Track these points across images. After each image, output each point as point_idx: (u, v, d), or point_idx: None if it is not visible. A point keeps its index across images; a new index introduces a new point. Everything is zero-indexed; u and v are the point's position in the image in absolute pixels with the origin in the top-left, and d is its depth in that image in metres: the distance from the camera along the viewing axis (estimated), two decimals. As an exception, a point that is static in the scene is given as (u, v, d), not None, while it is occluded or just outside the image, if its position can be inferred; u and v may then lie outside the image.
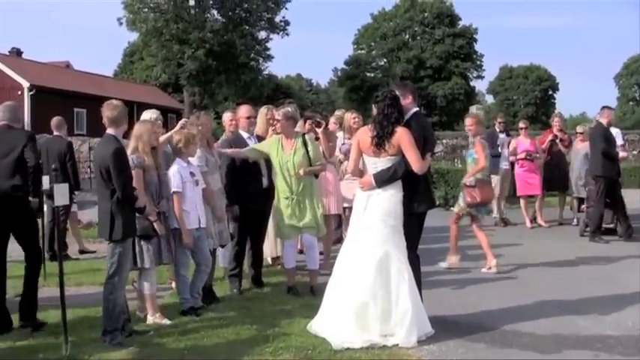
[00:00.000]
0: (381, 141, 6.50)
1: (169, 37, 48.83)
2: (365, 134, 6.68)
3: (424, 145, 6.69)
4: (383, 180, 6.53)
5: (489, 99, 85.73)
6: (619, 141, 14.07)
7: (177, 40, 48.84)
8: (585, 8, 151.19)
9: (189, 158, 7.47)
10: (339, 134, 10.61)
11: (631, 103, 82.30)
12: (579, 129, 14.07)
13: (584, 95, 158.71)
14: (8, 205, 6.87)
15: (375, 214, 6.53)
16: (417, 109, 7.02)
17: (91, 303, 7.61)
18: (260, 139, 8.60)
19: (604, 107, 12.45)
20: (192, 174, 7.37)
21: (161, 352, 6.13)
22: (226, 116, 9.09)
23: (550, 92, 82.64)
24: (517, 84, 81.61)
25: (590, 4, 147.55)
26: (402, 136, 6.45)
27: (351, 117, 10.62)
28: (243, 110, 8.69)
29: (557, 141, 14.07)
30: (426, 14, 67.12)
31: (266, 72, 59.06)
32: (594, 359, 5.88)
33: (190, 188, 7.30)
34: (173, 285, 8.47)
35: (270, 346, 6.13)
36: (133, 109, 46.61)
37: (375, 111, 6.68)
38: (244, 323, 6.89)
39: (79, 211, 12.37)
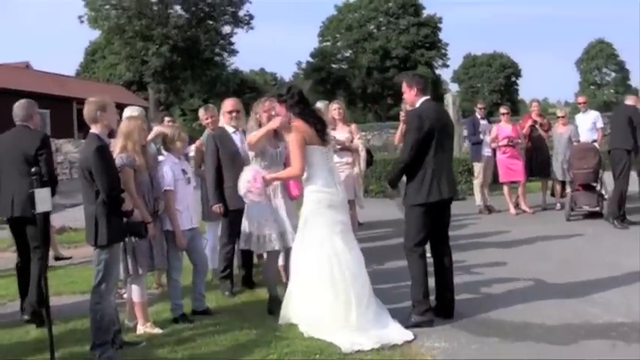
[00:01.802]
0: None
1: (132, 34, 48.23)
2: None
3: (429, 139, 6.51)
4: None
5: (454, 87, 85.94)
6: (599, 124, 14.03)
7: (140, 37, 48.27)
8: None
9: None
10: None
11: (592, 87, 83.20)
12: (560, 113, 13.99)
13: (546, 81, 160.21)
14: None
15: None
16: (425, 98, 6.80)
17: (74, 314, 7.29)
18: (245, 133, 8.28)
19: (634, 93, 12.43)
20: (184, 171, 7.02)
21: (158, 365, 5.81)
22: (201, 113, 8.91)
23: (513, 79, 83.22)
24: (481, 72, 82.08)
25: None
26: (292, 133, 6.52)
27: (332, 107, 10.35)
28: (227, 104, 8.34)
29: (537, 126, 13.94)
30: (390, 4, 67.25)
31: (231, 67, 58.64)
32: (611, 349, 5.67)
33: (182, 186, 6.95)
34: (160, 291, 8.17)
35: (274, 352, 5.84)
36: (97, 109, 45.98)
37: (283, 109, 6.74)
38: (242, 328, 6.54)
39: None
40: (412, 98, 6.81)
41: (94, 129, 5.89)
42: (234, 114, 8.24)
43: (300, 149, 6.46)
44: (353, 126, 10.67)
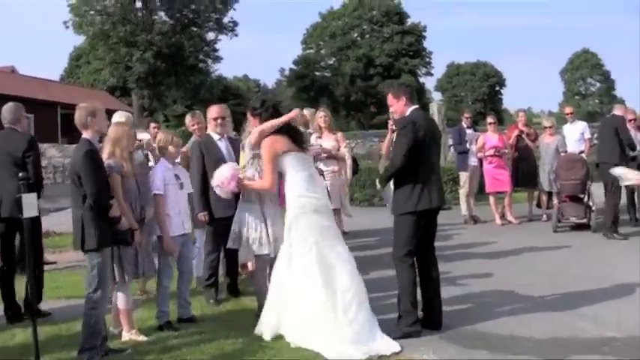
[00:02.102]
0: None
1: (117, 40, 47.81)
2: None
3: (421, 146, 6.46)
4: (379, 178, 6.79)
5: (437, 96, 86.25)
6: (586, 135, 14.03)
7: (124, 43, 47.88)
8: (531, 6, 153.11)
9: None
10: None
11: (577, 97, 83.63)
12: (547, 123, 13.96)
13: (529, 90, 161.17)
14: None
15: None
16: (414, 107, 6.76)
17: (58, 319, 7.23)
18: (232, 141, 8.18)
19: (621, 103, 12.45)
20: (176, 176, 6.93)
21: (143, 373, 5.69)
22: (187, 119, 8.82)
23: (497, 88, 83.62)
24: (465, 80, 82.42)
25: (536, 3, 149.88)
26: (262, 146, 6.56)
27: (318, 115, 10.30)
28: (213, 111, 8.24)
29: (524, 136, 13.91)
30: (374, 12, 67.33)
31: (215, 74, 58.46)
32: (604, 363, 5.61)
33: (174, 191, 6.87)
34: (144, 297, 8.05)
35: (260, 362, 5.72)
36: (80, 114, 45.71)
37: (256, 122, 6.75)
38: (227, 337, 6.44)
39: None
40: (401, 108, 6.75)
41: (85, 134, 5.89)
42: (219, 120, 8.15)
43: (270, 164, 6.49)
44: (339, 134, 10.65)
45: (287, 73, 73.05)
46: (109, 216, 5.78)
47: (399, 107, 6.75)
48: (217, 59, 55.49)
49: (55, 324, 7.06)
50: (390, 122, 9.23)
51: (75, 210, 5.79)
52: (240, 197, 6.90)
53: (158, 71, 49.00)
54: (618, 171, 9.04)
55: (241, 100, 55.43)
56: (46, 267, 10.57)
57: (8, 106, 7.89)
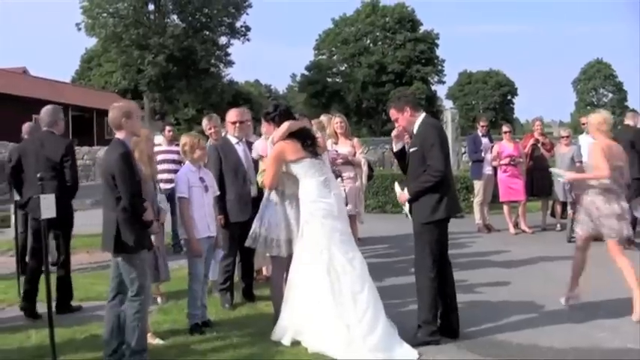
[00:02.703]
0: None
1: (129, 43, 48.06)
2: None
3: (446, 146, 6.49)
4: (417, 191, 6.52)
5: (448, 104, 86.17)
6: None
7: (137, 46, 48.12)
8: (544, 16, 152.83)
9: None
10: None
11: (588, 107, 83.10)
12: (564, 132, 13.86)
13: (542, 100, 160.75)
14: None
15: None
16: (423, 115, 6.67)
17: (72, 322, 7.21)
18: (249, 144, 8.18)
19: (631, 110, 12.29)
20: (201, 179, 6.95)
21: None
22: (204, 123, 8.82)
23: (509, 97, 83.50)
24: (476, 89, 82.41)
25: (549, 13, 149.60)
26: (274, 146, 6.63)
27: (334, 121, 10.27)
28: (232, 115, 8.25)
29: (539, 145, 13.85)
30: (387, 19, 67.32)
31: (226, 78, 58.61)
32: (624, 375, 5.56)
33: (198, 194, 6.90)
34: (159, 300, 8.03)
35: (278, 367, 5.69)
36: (92, 116, 45.99)
37: (271, 128, 6.78)
38: (244, 342, 6.46)
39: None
40: (408, 120, 6.62)
41: (119, 135, 5.81)
42: (237, 124, 8.15)
43: (273, 166, 6.56)
44: (355, 140, 10.61)
45: (298, 78, 73.16)
46: (142, 219, 5.70)
47: (404, 119, 6.63)
48: (229, 63, 55.72)
49: (69, 327, 7.02)
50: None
51: (107, 212, 5.70)
52: (264, 197, 6.89)
53: (170, 74, 49.19)
54: (555, 171, 9.13)
55: (252, 105, 55.41)
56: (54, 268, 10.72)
57: (47, 109, 8.08)
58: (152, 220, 5.91)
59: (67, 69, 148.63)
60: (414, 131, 6.65)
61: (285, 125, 6.56)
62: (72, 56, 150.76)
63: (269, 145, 6.81)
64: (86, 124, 44.29)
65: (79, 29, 49.48)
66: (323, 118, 10.77)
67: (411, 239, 8.51)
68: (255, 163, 7.80)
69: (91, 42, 55.70)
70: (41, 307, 7.89)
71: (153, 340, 6.45)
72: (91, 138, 42.57)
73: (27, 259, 10.06)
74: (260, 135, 8.75)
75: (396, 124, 6.75)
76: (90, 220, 14.43)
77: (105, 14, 48.56)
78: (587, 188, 7.61)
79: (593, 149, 7.55)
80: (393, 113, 6.71)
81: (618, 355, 6.00)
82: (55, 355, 5.56)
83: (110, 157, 5.61)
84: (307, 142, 6.59)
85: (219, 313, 7.61)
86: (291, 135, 6.57)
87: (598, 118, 7.77)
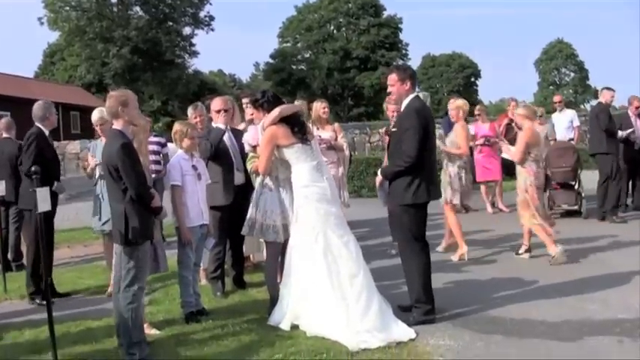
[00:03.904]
0: None
1: (93, 36, 47.59)
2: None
3: (426, 136, 6.46)
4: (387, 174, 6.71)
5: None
6: (575, 122, 14.17)
7: (100, 39, 47.65)
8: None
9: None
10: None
11: (551, 87, 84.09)
12: (538, 112, 14.03)
13: (505, 81, 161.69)
14: None
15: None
16: (414, 95, 6.67)
17: (63, 317, 7.09)
18: (235, 131, 8.21)
19: (604, 88, 12.50)
20: (194, 167, 6.95)
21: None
22: (189, 112, 8.84)
23: (472, 79, 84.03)
24: (440, 72, 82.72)
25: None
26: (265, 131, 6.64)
27: (320, 106, 10.29)
28: (216, 103, 8.25)
29: (514, 125, 13.98)
30: (350, 5, 67.32)
31: (191, 69, 58.23)
32: (619, 345, 5.69)
33: (192, 182, 6.90)
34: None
35: (279, 352, 5.73)
36: (57, 110, 45.35)
37: (260, 114, 6.81)
38: (242, 329, 6.46)
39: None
40: (402, 92, 6.61)
41: (116, 125, 5.71)
42: (222, 112, 8.15)
43: (266, 150, 6.59)
44: (336, 125, 10.68)
45: (262, 67, 72.95)
46: (151, 207, 5.66)
47: (400, 90, 6.61)
48: (194, 54, 55.39)
49: (62, 322, 6.89)
50: (391, 111, 9.21)
51: (115, 204, 5.62)
52: (257, 184, 6.91)
53: (135, 67, 48.81)
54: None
55: (217, 95, 55.13)
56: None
57: (38, 104, 8.19)
58: (161, 205, 5.88)
59: (29, 64, 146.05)
60: (401, 109, 6.72)
61: (277, 110, 6.57)
62: (33, 51, 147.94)
63: (259, 130, 6.83)
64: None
65: (42, 23, 48.96)
66: (298, 103, 10.80)
67: (387, 222, 8.65)
68: (242, 150, 7.82)
69: (54, 36, 55.11)
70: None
71: (150, 331, 6.39)
72: (57, 133, 42.08)
73: (8, 255, 10.05)
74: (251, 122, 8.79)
75: (390, 91, 6.69)
76: (67, 214, 14.42)
77: (67, 8, 48.01)
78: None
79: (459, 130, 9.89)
80: (392, 79, 6.61)
81: (610, 326, 6.13)
82: (55, 350, 5.50)
83: (111, 149, 5.52)
84: (295, 127, 6.61)
85: (211, 301, 7.60)
86: (282, 120, 6.59)
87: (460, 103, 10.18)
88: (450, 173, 9.83)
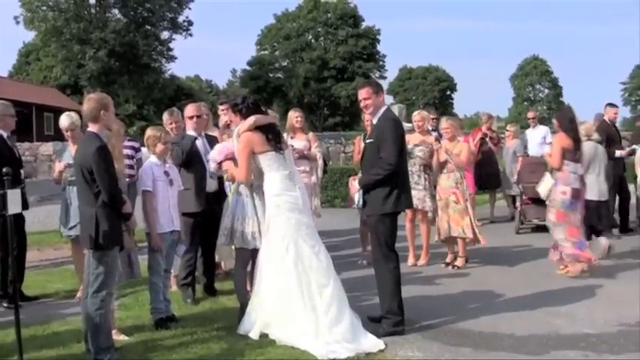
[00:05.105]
0: None
1: (70, 37, 47.34)
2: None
3: (403, 146, 6.65)
4: (367, 183, 6.68)
5: (388, 99, 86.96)
6: (548, 139, 14.28)
7: (77, 40, 47.39)
8: (482, 12, 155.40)
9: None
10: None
11: (525, 103, 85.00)
12: (509, 127, 14.21)
13: (480, 95, 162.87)
14: None
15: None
16: (385, 108, 6.84)
17: (30, 321, 6.99)
18: (208, 137, 8.22)
19: (607, 105, 12.61)
20: (166, 173, 6.94)
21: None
22: (165, 118, 8.76)
23: (448, 92, 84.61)
24: (416, 84, 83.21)
25: (486, 9, 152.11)
26: (240, 138, 6.60)
27: (293, 115, 10.32)
28: (189, 110, 8.26)
29: (487, 139, 14.11)
30: (329, 15, 67.54)
31: (168, 73, 58.06)
32: (584, 358, 5.76)
33: (163, 188, 6.88)
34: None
35: (249, 360, 5.73)
36: (31, 111, 45.01)
37: (237, 119, 6.76)
38: (212, 336, 6.45)
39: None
40: (378, 104, 6.76)
41: (93, 128, 5.68)
42: (195, 119, 8.16)
43: (244, 158, 6.53)
44: (310, 134, 10.71)
45: (239, 74, 72.92)
46: (122, 212, 5.65)
47: (377, 102, 6.74)
48: (171, 59, 55.29)
49: (29, 326, 6.82)
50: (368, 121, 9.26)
51: (85, 208, 5.59)
52: (232, 192, 6.90)
53: (111, 70, 48.59)
54: None
55: (193, 101, 55.03)
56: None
57: None
58: (132, 212, 5.86)
59: (3, 63, 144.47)
60: (374, 121, 6.80)
61: (253, 118, 6.59)
62: (9, 50, 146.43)
63: (234, 137, 6.84)
64: (26, 120, 43.40)
65: (18, 22, 48.58)
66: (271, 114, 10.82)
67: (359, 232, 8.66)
68: None
69: (30, 35, 54.67)
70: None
71: (118, 337, 6.36)
72: (31, 134, 41.67)
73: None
74: (217, 127, 8.81)
75: (364, 104, 6.80)
76: (37, 216, 14.27)
77: (44, 7, 47.72)
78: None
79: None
80: (367, 92, 6.73)
81: (576, 340, 6.21)
82: (21, 354, 5.45)
83: (86, 152, 5.50)
84: (270, 135, 6.62)
85: (182, 308, 7.58)
86: (256, 128, 6.60)
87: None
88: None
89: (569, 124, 9.18)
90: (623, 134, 14.90)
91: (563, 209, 9.02)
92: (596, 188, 10.31)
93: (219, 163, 6.97)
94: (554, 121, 9.85)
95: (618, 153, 12.18)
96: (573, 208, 9.00)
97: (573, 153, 9.06)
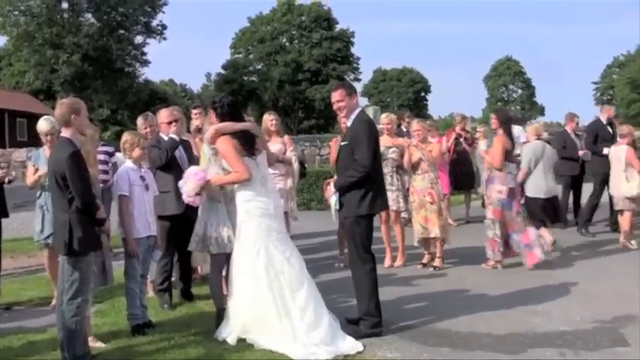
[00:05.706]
0: None
1: (42, 42, 46.82)
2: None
3: (377, 148, 6.70)
4: (342, 186, 6.66)
5: (363, 101, 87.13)
6: (522, 139, 14.36)
7: (50, 45, 46.90)
8: (455, 14, 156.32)
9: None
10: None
11: (499, 103, 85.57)
12: (479, 128, 14.26)
13: (454, 96, 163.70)
14: None
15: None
16: (359, 110, 6.87)
17: (4, 330, 7.00)
18: (184, 142, 8.17)
19: (604, 103, 12.86)
20: (142, 177, 6.89)
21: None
22: (139, 122, 8.72)
23: (422, 94, 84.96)
24: (391, 86, 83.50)
25: (460, 11, 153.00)
26: (219, 145, 6.52)
27: (268, 119, 10.27)
28: (163, 115, 8.21)
29: (462, 139, 14.18)
30: (303, 18, 67.57)
31: (142, 77, 57.71)
32: (561, 358, 5.81)
33: (139, 193, 6.84)
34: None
35: (228, 365, 5.71)
36: (3, 117, 44.60)
37: (213, 116, 6.68)
38: (189, 342, 6.42)
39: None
40: (352, 106, 6.78)
41: (65, 132, 5.63)
42: (173, 123, 8.10)
43: (235, 156, 6.43)
44: (286, 137, 10.64)
45: (213, 77, 72.71)
46: (96, 218, 5.61)
47: (351, 105, 6.76)
48: (145, 63, 54.91)
49: (4, 335, 6.81)
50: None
51: (59, 214, 5.55)
52: (204, 199, 6.84)
53: (85, 74, 48.16)
54: None
55: (167, 105, 54.73)
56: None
57: None
58: (106, 218, 5.82)
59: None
60: (348, 124, 6.82)
61: (224, 125, 6.55)
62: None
63: (205, 144, 6.81)
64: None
65: (-11, 27, 47.97)
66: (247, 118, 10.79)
67: (336, 236, 8.64)
68: (191, 160, 7.82)
69: (1, 41, 54.20)
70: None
71: (95, 344, 6.31)
72: (3, 140, 41.30)
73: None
74: (189, 132, 8.79)
75: (338, 106, 6.80)
76: (11, 224, 14.08)
77: (16, 12, 47.21)
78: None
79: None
80: (340, 94, 6.74)
81: (553, 338, 6.27)
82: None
83: (59, 157, 5.45)
84: (246, 140, 6.60)
85: (158, 314, 7.53)
86: (230, 134, 6.57)
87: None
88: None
89: (506, 125, 9.65)
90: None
91: (500, 207, 9.37)
92: (544, 186, 10.51)
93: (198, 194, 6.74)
94: (493, 120, 9.98)
95: (606, 150, 12.33)
96: (509, 207, 9.37)
97: (512, 153, 9.54)
